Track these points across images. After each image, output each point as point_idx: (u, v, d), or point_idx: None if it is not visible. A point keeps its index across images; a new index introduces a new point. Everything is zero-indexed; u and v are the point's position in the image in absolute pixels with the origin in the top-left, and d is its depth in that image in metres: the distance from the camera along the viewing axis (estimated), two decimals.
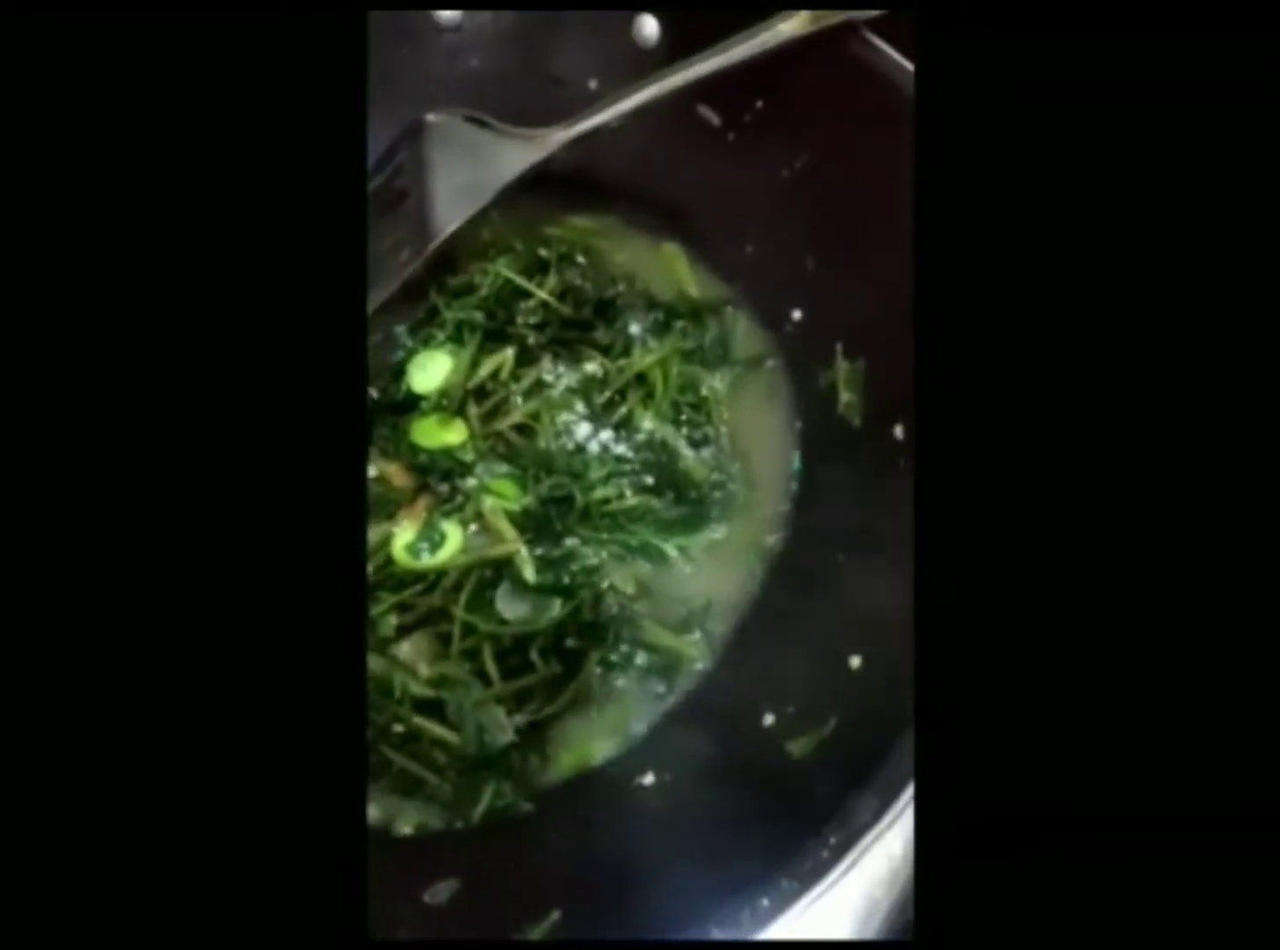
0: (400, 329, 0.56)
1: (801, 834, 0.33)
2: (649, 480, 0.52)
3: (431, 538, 0.47)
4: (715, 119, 0.63)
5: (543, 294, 0.57)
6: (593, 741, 0.46)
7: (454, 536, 0.47)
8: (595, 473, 0.51)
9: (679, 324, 0.59)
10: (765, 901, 0.31)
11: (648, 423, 0.53)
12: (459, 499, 0.49)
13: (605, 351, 0.57)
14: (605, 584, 0.49)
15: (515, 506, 0.49)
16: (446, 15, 0.67)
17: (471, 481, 0.49)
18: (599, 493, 0.50)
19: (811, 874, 0.32)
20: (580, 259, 0.61)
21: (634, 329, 0.59)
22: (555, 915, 0.35)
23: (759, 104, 0.61)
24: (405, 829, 0.44)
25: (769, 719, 0.42)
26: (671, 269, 0.64)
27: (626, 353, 0.57)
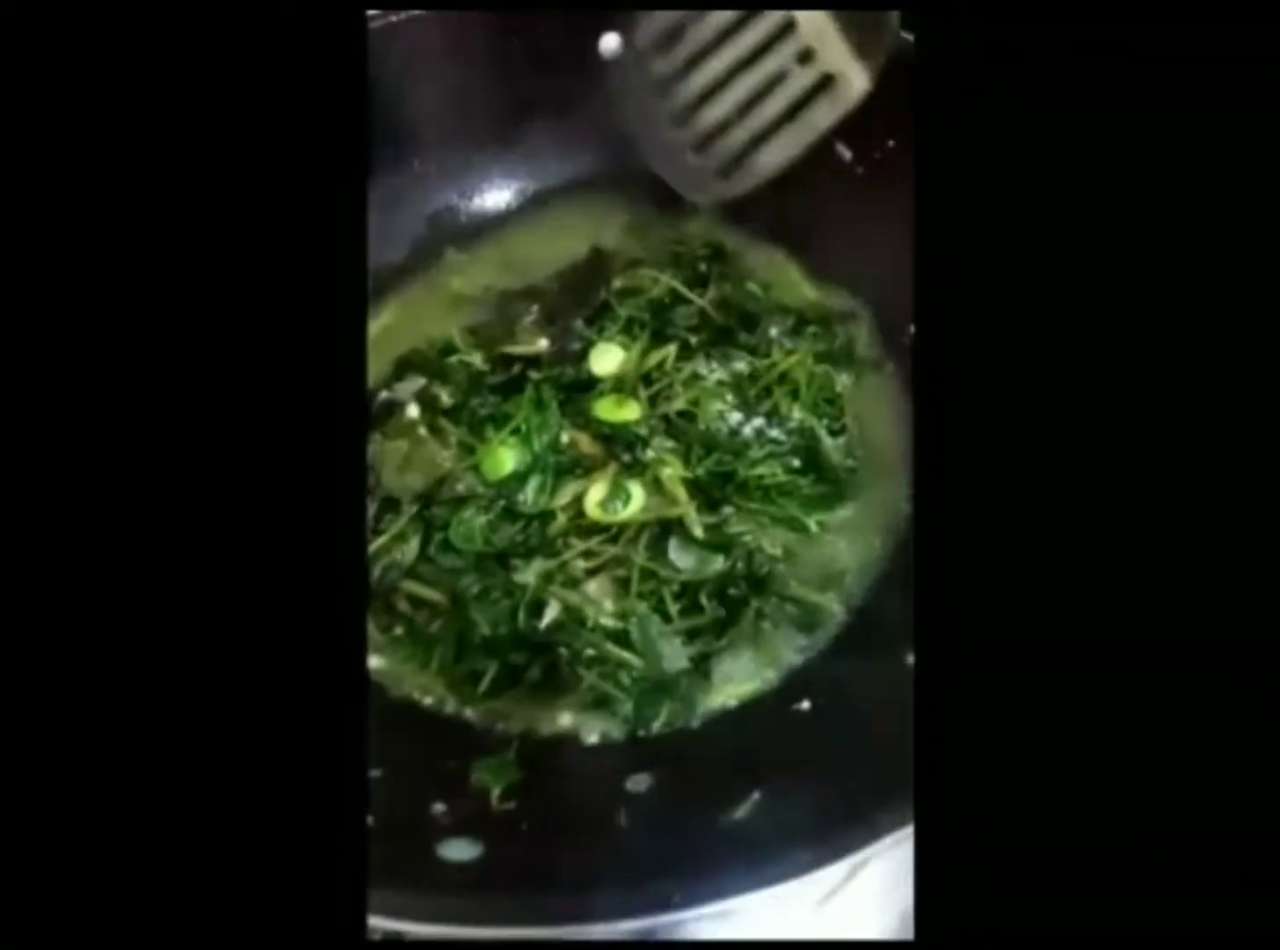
0: (578, 322, 0.64)
1: None
2: (796, 462, 0.61)
3: (620, 495, 0.56)
4: (847, 154, 0.72)
5: (703, 303, 0.66)
6: (748, 675, 0.54)
7: (638, 495, 0.56)
8: (755, 452, 0.59)
9: (811, 329, 0.68)
10: None
11: (797, 412, 0.62)
12: (637, 467, 0.58)
13: (751, 352, 0.66)
14: (755, 545, 0.58)
15: (688, 475, 0.57)
16: (608, 49, 0.76)
17: (650, 453, 0.58)
18: (757, 470, 0.59)
19: None
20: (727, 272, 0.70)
21: (773, 332, 0.67)
22: (755, 796, 0.43)
23: (891, 143, 0.69)
24: (591, 738, 0.53)
25: (910, 658, 0.50)
26: (798, 285, 0.73)
27: (768, 353, 0.66)
